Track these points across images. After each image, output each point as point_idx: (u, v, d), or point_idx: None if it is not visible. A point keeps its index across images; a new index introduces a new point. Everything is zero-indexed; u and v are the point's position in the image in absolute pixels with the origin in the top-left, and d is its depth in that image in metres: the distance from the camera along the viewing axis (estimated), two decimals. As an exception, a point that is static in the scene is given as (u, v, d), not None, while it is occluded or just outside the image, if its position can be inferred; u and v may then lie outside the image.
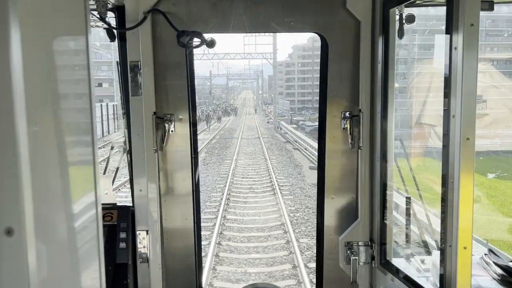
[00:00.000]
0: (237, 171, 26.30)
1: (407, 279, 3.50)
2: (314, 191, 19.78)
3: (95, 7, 3.50)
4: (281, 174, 25.22)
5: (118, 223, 3.92)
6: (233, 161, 29.77)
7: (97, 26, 3.79)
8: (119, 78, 4.11)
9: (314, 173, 18.39)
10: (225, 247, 13.84)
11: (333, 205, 4.16)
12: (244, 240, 14.53)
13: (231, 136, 48.28)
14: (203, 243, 13.42)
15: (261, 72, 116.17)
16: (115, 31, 3.83)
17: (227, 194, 19.75)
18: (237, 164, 28.77)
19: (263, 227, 15.61)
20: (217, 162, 29.70)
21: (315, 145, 19.98)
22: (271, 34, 63.41)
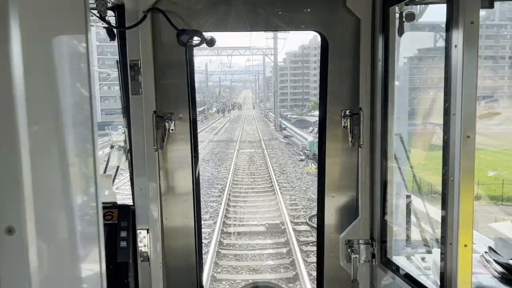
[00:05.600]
0: (244, 126, 67.03)
1: (407, 277, 3.50)
2: (272, 131, 58.04)
3: (95, 6, 3.49)
4: (261, 127, 64.20)
5: (119, 222, 3.92)
6: (242, 124, 70.65)
7: (97, 25, 3.79)
8: (119, 77, 4.11)
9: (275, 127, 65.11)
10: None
11: (334, 203, 4.16)
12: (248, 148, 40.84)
13: (239, 118, 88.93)
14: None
15: (258, 77, 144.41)
16: (115, 30, 3.82)
17: (241, 130, 58.72)
18: (244, 126, 65.87)
19: (253, 143, 43.85)
20: (235, 124, 73.11)
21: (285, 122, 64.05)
22: (261, 58, 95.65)
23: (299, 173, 26.32)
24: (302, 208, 17.92)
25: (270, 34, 72.35)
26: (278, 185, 22.01)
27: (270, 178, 23.85)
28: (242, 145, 41.04)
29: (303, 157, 32.51)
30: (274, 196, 19.69)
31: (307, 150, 33.27)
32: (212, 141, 43.92)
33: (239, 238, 14.14)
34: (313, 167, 27.16)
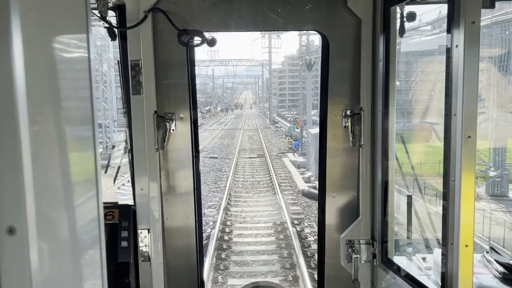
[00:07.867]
0: (246, 121, 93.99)
1: (408, 277, 3.50)
2: (267, 124, 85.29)
3: (95, 6, 3.50)
4: (259, 122, 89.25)
5: (120, 222, 3.92)
6: (244, 119, 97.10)
7: (98, 25, 3.79)
8: (120, 77, 4.11)
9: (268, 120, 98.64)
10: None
11: (335, 203, 4.16)
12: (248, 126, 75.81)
13: (241, 116, 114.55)
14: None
15: (257, 80, 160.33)
16: (115, 30, 3.83)
17: (244, 121, 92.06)
18: (246, 121, 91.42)
19: (252, 130, 70.09)
20: (239, 119, 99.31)
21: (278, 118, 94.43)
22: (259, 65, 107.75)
23: (278, 143, 49.96)
24: (275, 153, 39.68)
25: (266, 49, 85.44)
26: (266, 148, 42.49)
27: (261, 145, 45.37)
28: (245, 131, 65.31)
29: (283, 137, 56.05)
30: (263, 153, 38.94)
31: (287, 133, 56.31)
32: (224, 129, 69.85)
33: (243, 161, 34.31)
34: (286, 140, 51.35)
